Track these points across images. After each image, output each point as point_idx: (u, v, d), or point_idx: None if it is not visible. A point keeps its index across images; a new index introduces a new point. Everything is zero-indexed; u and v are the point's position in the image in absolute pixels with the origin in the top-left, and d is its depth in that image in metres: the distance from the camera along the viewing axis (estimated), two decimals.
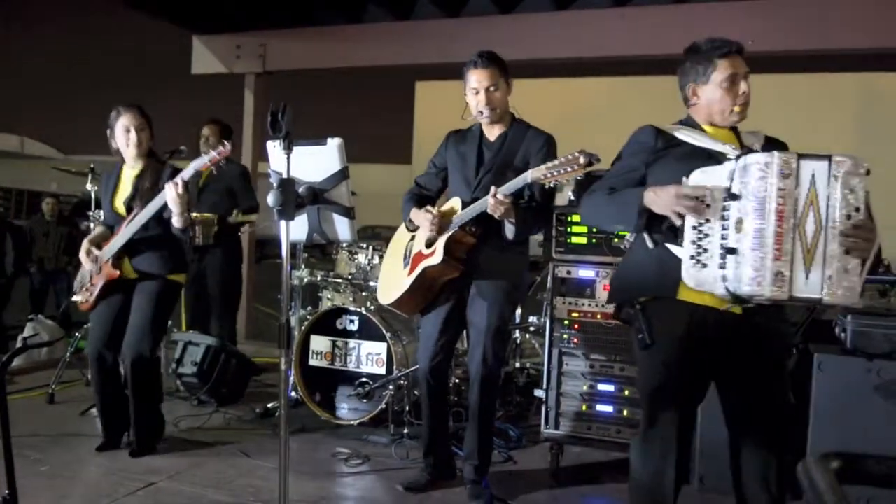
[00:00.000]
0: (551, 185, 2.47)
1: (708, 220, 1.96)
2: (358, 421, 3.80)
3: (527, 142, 2.77)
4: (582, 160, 2.37)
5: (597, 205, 2.22)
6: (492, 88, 2.73)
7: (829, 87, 18.97)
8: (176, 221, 3.20)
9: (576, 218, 3.28)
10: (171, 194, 3.12)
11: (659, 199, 2.02)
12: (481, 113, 2.76)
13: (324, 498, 2.98)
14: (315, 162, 2.38)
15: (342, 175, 2.40)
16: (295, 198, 2.24)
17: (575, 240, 3.29)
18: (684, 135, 2.13)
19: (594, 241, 3.25)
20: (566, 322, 3.28)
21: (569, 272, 3.30)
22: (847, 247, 1.85)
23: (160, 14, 6.47)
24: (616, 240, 3.19)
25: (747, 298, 1.94)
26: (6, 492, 1.99)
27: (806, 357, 2.82)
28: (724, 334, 2.07)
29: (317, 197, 2.38)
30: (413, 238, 2.95)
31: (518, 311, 3.95)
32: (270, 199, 2.19)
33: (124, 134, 3.36)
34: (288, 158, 2.22)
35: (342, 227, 2.48)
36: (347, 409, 3.89)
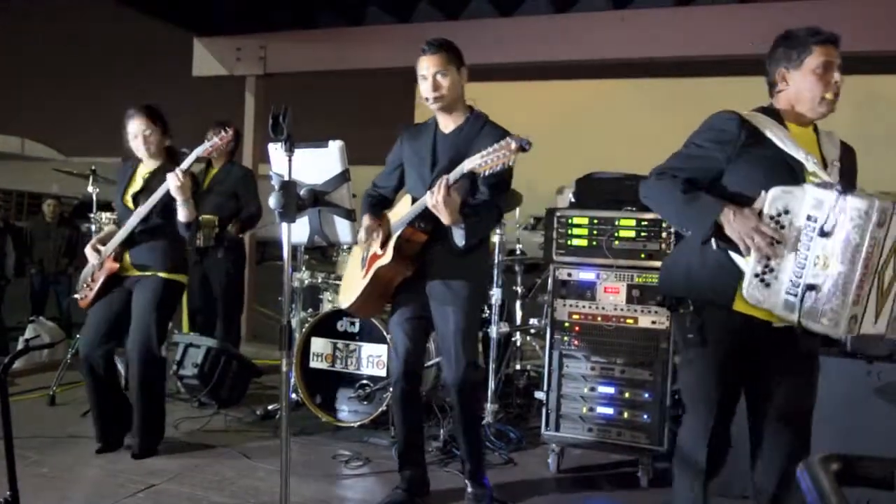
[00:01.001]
0: (486, 173, 2.41)
1: (779, 241, 1.92)
2: (358, 423, 3.80)
3: (482, 137, 2.66)
4: (513, 145, 2.34)
5: (668, 198, 2.11)
6: (439, 75, 2.65)
7: None
8: (181, 214, 3.21)
9: (577, 220, 3.28)
10: (172, 184, 3.13)
11: (735, 224, 1.95)
12: (428, 100, 2.70)
13: (324, 500, 2.99)
14: (316, 164, 2.38)
15: (343, 177, 2.40)
16: (296, 200, 2.25)
17: (575, 242, 3.29)
18: (773, 134, 2.04)
19: (594, 243, 3.25)
20: (567, 324, 3.28)
21: (569, 274, 3.30)
22: None
23: (161, 16, 6.47)
24: (617, 242, 3.20)
25: (813, 330, 1.94)
26: (7, 493, 1.99)
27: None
28: (770, 346, 2.08)
29: (318, 199, 2.38)
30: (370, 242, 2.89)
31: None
32: (272, 201, 2.19)
33: (133, 140, 3.38)
34: (289, 161, 2.22)
35: (343, 230, 2.48)
36: (348, 411, 3.89)
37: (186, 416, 4.00)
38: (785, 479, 2.11)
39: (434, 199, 2.47)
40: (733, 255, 2.02)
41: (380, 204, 2.94)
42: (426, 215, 2.61)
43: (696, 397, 2.20)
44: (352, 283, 2.93)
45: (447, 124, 2.77)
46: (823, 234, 1.86)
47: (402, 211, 2.74)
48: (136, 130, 3.36)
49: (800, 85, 2.08)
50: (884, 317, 1.89)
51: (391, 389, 3.03)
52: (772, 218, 1.92)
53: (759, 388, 2.17)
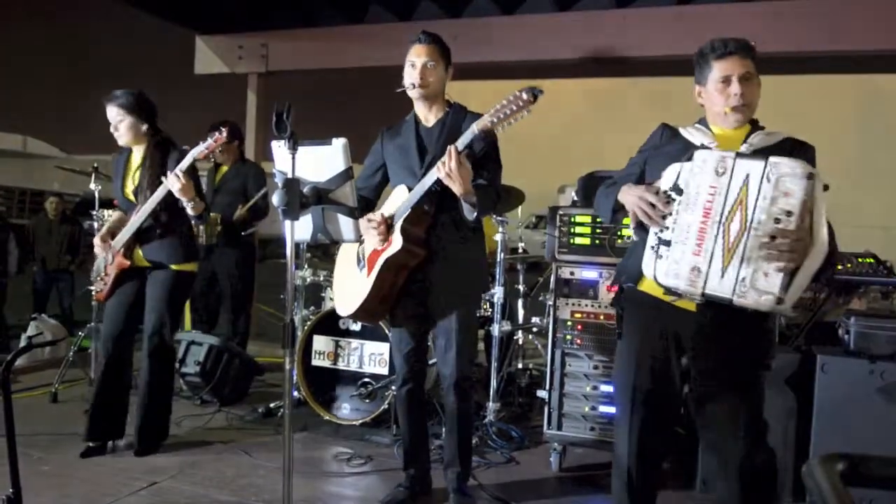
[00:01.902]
0: (500, 129, 2.38)
1: (670, 214, 2.01)
2: (360, 421, 3.80)
3: (467, 123, 2.63)
4: (525, 96, 2.29)
5: (597, 197, 2.34)
6: (429, 64, 2.67)
7: (829, 88, 18.96)
8: (189, 210, 3.25)
9: (579, 218, 3.28)
10: (174, 188, 3.16)
11: (627, 197, 2.12)
12: (413, 85, 2.67)
13: (325, 498, 2.99)
14: (319, 162, 2.37)
15: (346, 175, 2.39)
16: (300, 198, 2.24)
17: (578, 240, 3.29)
18: (686, 131, 2.17)
19: (597, 241, 3.25)
20: (569, 323, 3.28)
21: (572, 273, 3.30)
22: (767, 250, 1.82)
23: (163, 13, 6.48)
24: (620, 241, 3.20)
25: (671, 290, 2.00)
26: (10, 490, 2.00)
27: (809, 358, 2.82)
28: (684, 330, 2.10)
29: (321, 197, 2.37)
30: (362, 243, 2.84)
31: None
32: (275, 198, 2.19)
33: (111, 129, 3.39)
34: (293, 158, 2.22)
35: (346, 228, 2.47)
36: (350, 409, 3.89)
37: (188, 413, 4.01)
38: (745, 487, 2.07)
39: (447, 168, 2.43)
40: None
41: (364, 206, 2.86)
42: (430, 195, 2.60)
43: (619, 387, 2.26)
44: (351, 288, 2.85)
45: (428, 117, 2.77)
46: (678, 190, 1.98)
47: (397, 201, 2.71)
48: (109, 119, 3.37)
49: (707, 100, 2.16)
50: (730, 274, 1.87)
51: (394, 389, 3.01)
52: (665, 193, 2.02)
53: (693, 389, 2.16)
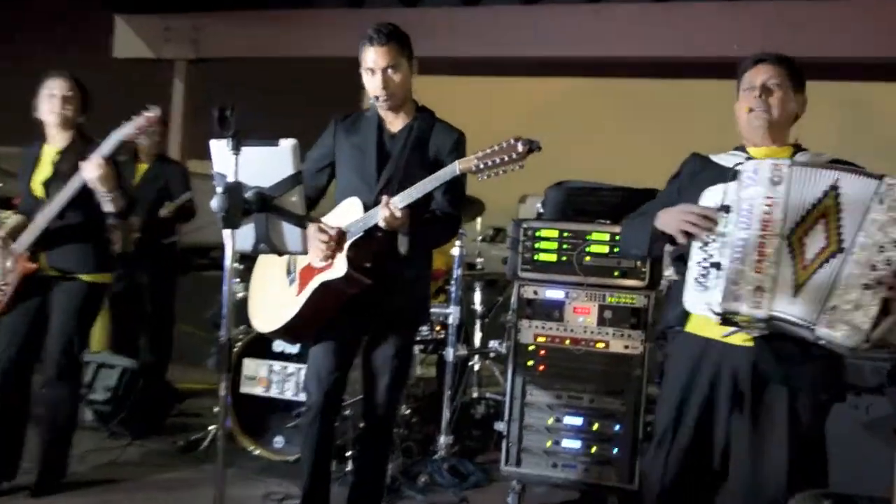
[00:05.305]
0: (482, 177, 2.36)
1: (714, 241, 1.97)
2: (295, 457, 3.72)
3: (436, 137, 2.63)
4: (521, 147, 2.28)
5: (624, 228, 2.32)
6: (390, 70, 2.57)
7: (814, 95, 19.62)
8: (106, 206, 3.13)
9: (544, 232, 3.29)
10: (89, 174, 3.02)
11: (667, 218, 2.07)
12: (377, 98, 2.62)
13: None
14: (264, 165, 2.33)
15: (295, 180, 2.35)
16: (242, 204, 2.20)
17: (542, 256, 3.30)
18: (718, 157, 2.18)
19: (564, 258, 3.26)
20: (531, 348, 3.28)
21: (535, 292, 3.31)
22: (872, 282, 1.79)
23: None
24: (588, 258, 3.22)
25: (733, 319, 1.93)
26: None
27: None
28: (734, 372, 2.05)
29: (266, 204, 2.33)
30: None
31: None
32: (214, 204, 2.14)
33: (48, 100, 3.24)
34: (236, 160, 2.17)
35: (292, 238, 2.41)
36: (283, 442, 3.81)
37: (95, 447, 3.87)
38: None
39: (391, 222, 2.43)
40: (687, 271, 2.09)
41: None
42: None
43: (659, 437, 2.22)
44: (274, 300, 2.76)
45: (393, 122, 2.70)
46: (726, 209, 1.95)
47: (346, 216, 2.63)
48: (55, 89, 3.23)
49: (738, 116, 2.22)
50: (809, 296, 1.84)
51: (304, 420, 2.83)
52: (704, 217, 2.01)
53: (729, 446, 2.12)
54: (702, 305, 1.99)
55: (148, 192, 4.62)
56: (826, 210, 1.86)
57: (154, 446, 3.98)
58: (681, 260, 2.10)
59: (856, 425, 2.74)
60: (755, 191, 1.91)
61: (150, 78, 7.01)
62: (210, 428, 3.96)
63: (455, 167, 2.41)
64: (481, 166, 2.35)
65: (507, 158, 2.30)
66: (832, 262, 1.84)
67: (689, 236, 2.03)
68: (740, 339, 2.04)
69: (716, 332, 2.04)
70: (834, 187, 1.86)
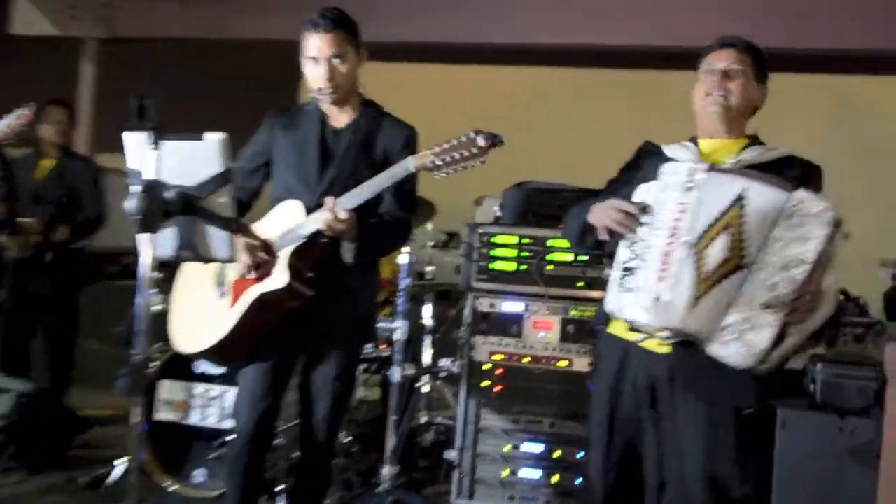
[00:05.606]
0: (439, 174, 2.38)
1: (638, 242, 2.05)
2: (219, 492, 3.67)
3: (384, 133, 2.65)
4: (481, 142, 2.29)
5: (565, 220, 2.38)
6: (336, 59, 2.57)
7: (801, 88, 20.22)
8: None
9: (502, 238, 3.31)
10: None
11: (597, 210, 2.14)
12: (320, 90, 2.62)
13: None
14: (187, 161, 2.30)
15: (223, 179, 2.32)
16: (162, 205, 2.16)
17: (499, 265, 3.32)
18: (670, 148, 2.24)
19: (523, 267, 3.28)
20: (487, 367, 3.30)
21: (491, 305, 3.33)
22: (767, 298, 1.87)
23: None
24: (550, 267, 3.24)
25: (638, 328, 2.05)
26: None
27: (768, 413, 2.93)
28: (651, 382, 2.13)
29: (190, 205, 2.30)
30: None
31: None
32: (130, 205, 2.10)
33: None
34: (156, 156, 2.13)
35: (219, 243, 2.38)
36: (206, 476, 3.76)
37: None
38: None
39: (334, 226, 2.43)
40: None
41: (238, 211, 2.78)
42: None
43: (591, 434, 2.33)
44: (205, 318, 2.73)
45: (337, 117, 2.70)
46: (645, 209, 2.03)
47: (285, 220, 2.62)
48: None
49: (694, 101, 2.28)
50: (704, 309, 1.90)
51: (230, 450, 2.84)
52: (631, 215, 2.07)
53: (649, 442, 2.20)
54: (617, 308, 2.07)
55: (52, 191, 4.52)
56: (730, 221, 1.93)
57: (53, 482, 3.91)
58: (610, 258, 2.16)
59: (840, 450, 2.78)
60: (670, 195, 2.00)
61: (55, 59, 6.87)
62: (118, 461, 3.88)
63: (409, 164, 2.42)
64: (438, 163, 2.35)
65: (466, 154, 2.31)
66: (732, 277, 1.91)
67: (613, 233, 2.10)
68: (656, 344, 2.10)
69: (633, 335, 2.13)
70: (741, 197, 1.92)
